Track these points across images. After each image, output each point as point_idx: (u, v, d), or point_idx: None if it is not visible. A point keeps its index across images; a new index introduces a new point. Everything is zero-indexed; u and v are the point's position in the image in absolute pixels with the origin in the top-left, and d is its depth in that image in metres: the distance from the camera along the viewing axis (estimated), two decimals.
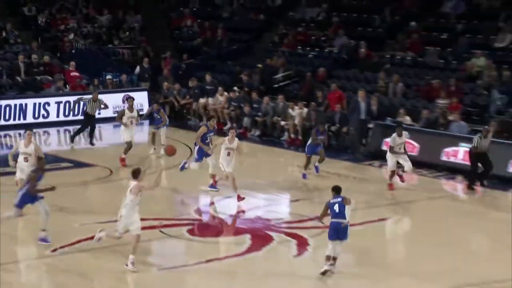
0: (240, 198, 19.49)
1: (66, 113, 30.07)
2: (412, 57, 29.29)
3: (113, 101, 30.14)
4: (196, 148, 20.39)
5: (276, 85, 30.40)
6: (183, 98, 30.65)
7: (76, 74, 31.36)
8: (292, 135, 26.73)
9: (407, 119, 24.92)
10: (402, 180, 21.21)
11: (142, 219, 15.06)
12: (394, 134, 20.86)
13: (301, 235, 17.65)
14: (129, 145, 23.15)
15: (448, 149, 23.46)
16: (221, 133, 25.23)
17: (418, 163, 23.42)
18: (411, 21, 30.44)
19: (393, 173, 21.01)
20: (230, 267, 14.00)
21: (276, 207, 20.31)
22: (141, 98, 30.87)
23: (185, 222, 18.34)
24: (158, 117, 24.62)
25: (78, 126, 26.64)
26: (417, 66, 28.84)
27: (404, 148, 21.14)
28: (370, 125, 25.46)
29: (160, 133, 24.43)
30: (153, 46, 35.55)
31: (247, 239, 17.45)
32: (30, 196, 15.85)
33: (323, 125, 22.70)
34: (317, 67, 30.10)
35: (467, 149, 22.60)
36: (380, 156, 24.15)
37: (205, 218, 19.21)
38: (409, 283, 14.81)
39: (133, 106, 23.97)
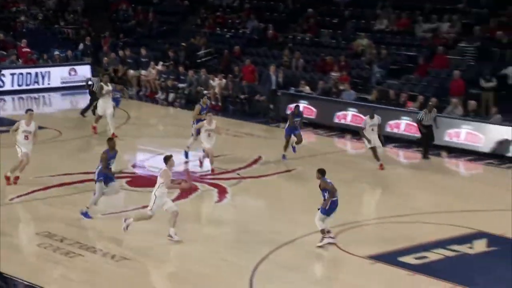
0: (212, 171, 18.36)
1: (20, 83, 29.04)
2: (310, 37, 29.27)
3: (60, 73, 29.66)
4: (194, 126, 19.08)
5: (199, 60, 30.08)
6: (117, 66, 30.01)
7: (28, 50, 30.33)
8: (213, 102, 26.43)
9: (307, 89, 25.05)
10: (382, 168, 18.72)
11: (86, 173, 14.71)
12: (367, 117, 18.92)
13: (222, 185, 17.61)
14: (99, 116, 22.12)
15: (339, 113, 23.54)
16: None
17: (315, 125, 23.63)
18: (308, 8, 30.50)
19: (373, 150, 18.74)
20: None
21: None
22: (84, 71, 30.10)
23: (124, 175, 17.96)
24: (118, 95, 23.35)
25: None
26: (314, 45, 28.86)
27: (378, 129, 18.86)
28: (278, 94, 25.34)
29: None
30: (94, 27, 34.70)
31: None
32: (106, 175, 14.71)
33: (298, 108, 20.28)
34: (233, 46, 29.87)
35: (355, 113, 22.89)
36: (285, 119, 24.00)
37: (141, 172, 18.82)
38: None
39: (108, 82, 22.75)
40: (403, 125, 21.96)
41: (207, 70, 27.97)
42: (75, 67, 30.02)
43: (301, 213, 15.35)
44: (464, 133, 20.67)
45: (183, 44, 30.70)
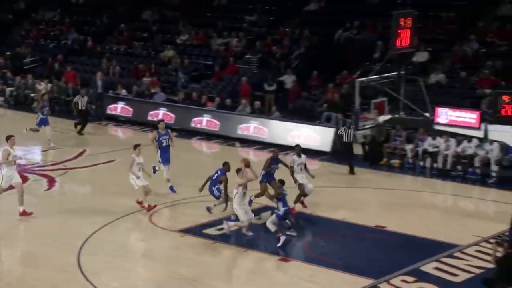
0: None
1: None
2: (124, 48, 28.80)
3: None
4: (158, 152, 15.83)
5: (26, 67, 28.51)
6: None
7: None
8: (41, 103, 25.04)
9: (124, 92, 24.67)
10: (304, 206, 14.82)
11: None
12: (294, 156, 14.70)
13: (50, 175, 16.93)
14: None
15: (152, 112, 23.38)
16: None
17: (132, 122, 23.37)
18: (122, 24, 29.97)
19: (301, 188, 14.54)
20: None
21: (31, 155, 19.08)
22: None
23: None
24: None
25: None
26: (128, 55, 28.42)
27: (306, 168, 14.68)
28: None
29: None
30: None
31: None
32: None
33: (276, 152, 14.88)
34: (56, 55, 28.64)
35: (165, 112, 22.96)
36: (107, 118, 23.94)
37: None
38: None
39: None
40: (205, 121, 22.30)
41: (34, 75, 26.63)
42: None
43: (120, 197, 15.20)
44: (252, 127, 21.35)
45: (7, 53, 28.99)
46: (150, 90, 24.59)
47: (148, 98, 24.24)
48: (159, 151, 15.84)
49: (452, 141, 17.76)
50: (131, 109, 23.81)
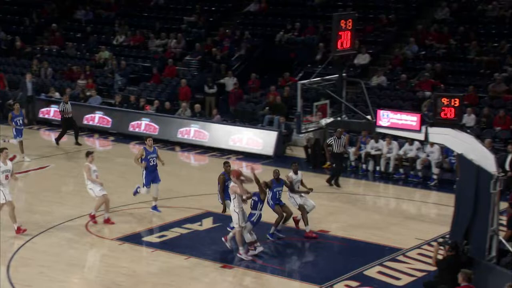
0: None
1: None
2: (56, 49, 28.19)
3: None
4: (144, 173, 14.70)
5: None
6: None
7: None
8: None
9: (56, 94, 24.16)
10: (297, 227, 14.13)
11: None
12: (291, 173, 13.93)
13: None
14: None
15: (88, 116, 23.00)
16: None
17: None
18: (53, 23, 29.36)
19: (302, 211, 13.77)
20: None
21: None
22: None
23: None
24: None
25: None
26: (61, 56, 27.85)
27: (302, 185, 14.00)
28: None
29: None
30: None
31: None
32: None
33: (276, 172, 13.55)
34: None
35: (101, 115, 22.64)
36: (39, 122, 23.46)
37: None
38: None
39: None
40: (143, 125, 22.07)
41: None
42: None
43: (54, 205, 14.86)
44: (193, 131, 21.28)
45: None
46: (85, 93, 24.16)
47: (83, 101, 23.81)
48: (144, 172, 14.58)
49: (394, 144, 18.17)
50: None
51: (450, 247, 10.52)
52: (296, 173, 13.92)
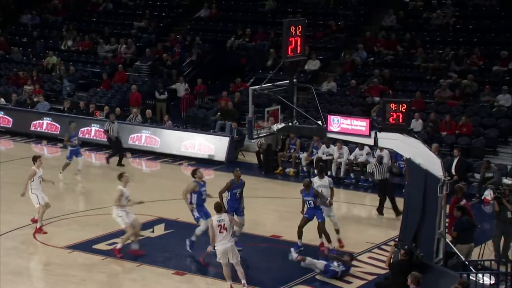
0: None
1: None
2: (1, 54, 27.60)
3: None
4: (195, 208, 13.10)
5: None
6: None
7: None
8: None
9: (2, 100, 23.68)
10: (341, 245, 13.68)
11: None
12: (316, 177, 13.88)
13: None
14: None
15: (35, 122, 22.62)
16: None
17: (12, 133, 22.48)
18: None
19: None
20: None
21: None
22: None
23: None
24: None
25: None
26: (6, 61, 27.29)
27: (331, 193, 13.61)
28: None
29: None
30: None
31: None
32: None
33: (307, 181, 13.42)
34: None
35: (49, 121, 22.28)
36: None
37: None
38: None
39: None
40: (93, 131, 21.79)
41: None
42: None
43: (4, 212, 14.54)
44: (144, 137, 21.14)
45: None
46: (32, 98, 23.73)
47: (30, 107, 23.36)
48: (195, 207, 13.01)
49: (345, 149, 18.42)
50: (10, 119, 22.87)
51: (405, 252, 10.71)
52: (321, 178, 13.61)
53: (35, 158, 13.99)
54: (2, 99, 23.73)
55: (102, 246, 13.28)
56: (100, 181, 18.25)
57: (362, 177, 18.22)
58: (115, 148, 19.62)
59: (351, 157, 18.44)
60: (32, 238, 13.44)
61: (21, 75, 25.47)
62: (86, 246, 13.20)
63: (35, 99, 23.64)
